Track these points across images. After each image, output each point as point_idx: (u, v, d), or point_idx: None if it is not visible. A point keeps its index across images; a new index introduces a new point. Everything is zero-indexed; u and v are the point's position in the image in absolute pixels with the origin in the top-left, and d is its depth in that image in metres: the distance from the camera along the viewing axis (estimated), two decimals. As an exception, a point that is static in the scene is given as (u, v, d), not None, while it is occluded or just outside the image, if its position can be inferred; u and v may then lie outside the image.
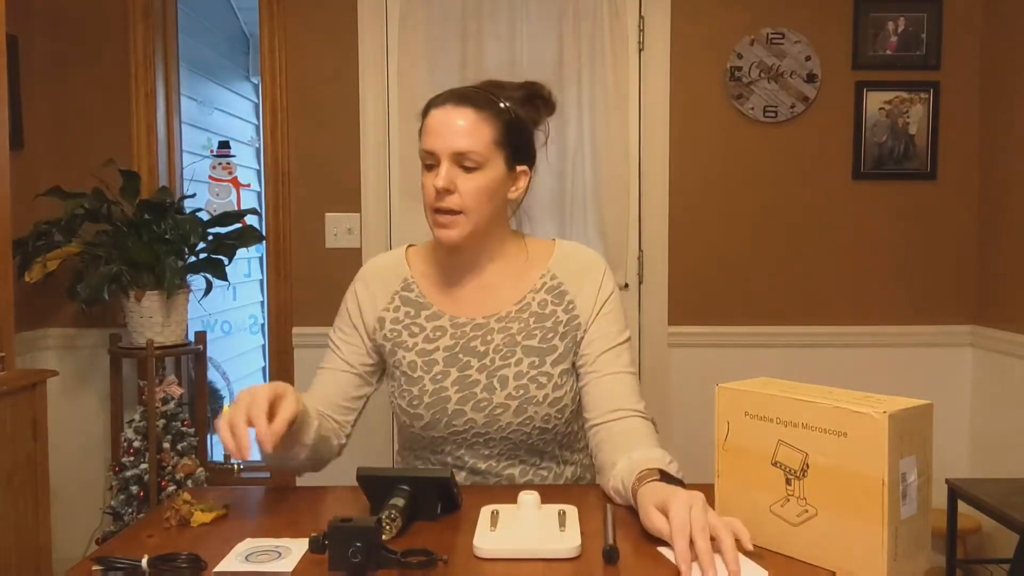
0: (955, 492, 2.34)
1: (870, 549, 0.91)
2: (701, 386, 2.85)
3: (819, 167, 2.92)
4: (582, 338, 1.40)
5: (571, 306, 1.40)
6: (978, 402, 2.91)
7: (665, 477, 1.13)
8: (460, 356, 1.38)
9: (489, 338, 1.39)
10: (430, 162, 1.34)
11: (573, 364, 1.40)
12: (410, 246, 1.52)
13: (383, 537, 0.99)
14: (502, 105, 1.36)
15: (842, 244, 2.94)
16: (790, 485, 0.99)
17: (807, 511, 0.98)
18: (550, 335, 1.39)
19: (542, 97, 1.45)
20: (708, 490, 1.11)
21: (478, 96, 1.35)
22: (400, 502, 1.10)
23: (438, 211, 1.33)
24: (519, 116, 1.38)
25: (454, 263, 1.43)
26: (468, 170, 1.32)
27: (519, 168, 1.40)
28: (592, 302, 1.41)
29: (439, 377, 1.37)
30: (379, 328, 1.43)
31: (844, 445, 0.93)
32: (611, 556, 0.99)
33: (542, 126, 1.46)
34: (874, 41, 2.88)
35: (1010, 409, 2.73)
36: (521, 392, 1.35)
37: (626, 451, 1.25)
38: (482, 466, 1.39)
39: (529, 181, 1.43)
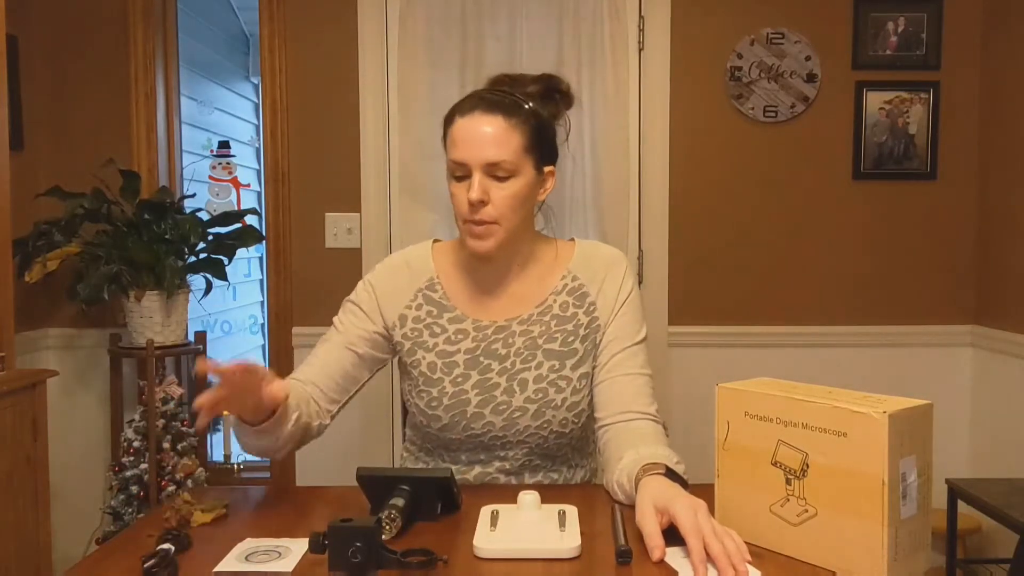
0: (955, 492, 2.34)
1: (870, 549, 0.91)
2: (701, 386, 2.85)
3: (819, 167, 2.92)
4: (601, 339, 1.39)
5: (592, 307, 1.40)
6: (978, 402, 2.91)
7: (670, 474, 1.13)
8: (481, 359, 1.37)
9: (511, 341, 1.38)
10: (460, 173, 1.31)
11: (594, 367, 1.39)
12: (435, 242, 1.49)
13: (383, 537, 0.99)
14: (528, 107, 1.35)
15: (842, 244, 2.94)
16: (790, 485, 0.99)
17: (807, 511, 0.98)
18: (571, 338, 1.38)
19: (560, 91, 1.43)
20: (708, 490, 1.11)
21: (505, 101, 1.33)
22: (400, 502, 1.10)
23: (472, 222, 1.31)
24: (543, 116, 1.37)
25: (479, 265, 1.42)
26: (500, 179, 1.30)
27: (547, 169, 1.38)
28: (612, 302, 1.40)
29: (459, 380, 1.37)
30: (399, 325, 1.41)
31: (844, 445, 0.93)
32: (624, 556, 0.98)
33: (561, 120, 1.45)
34: (874, 41, 2.88)
35: (1010, 409, 2.73)
36: (540, 396, 1.35)
37: (633, 447, 1.24)
38: (494, 466, 1.39)
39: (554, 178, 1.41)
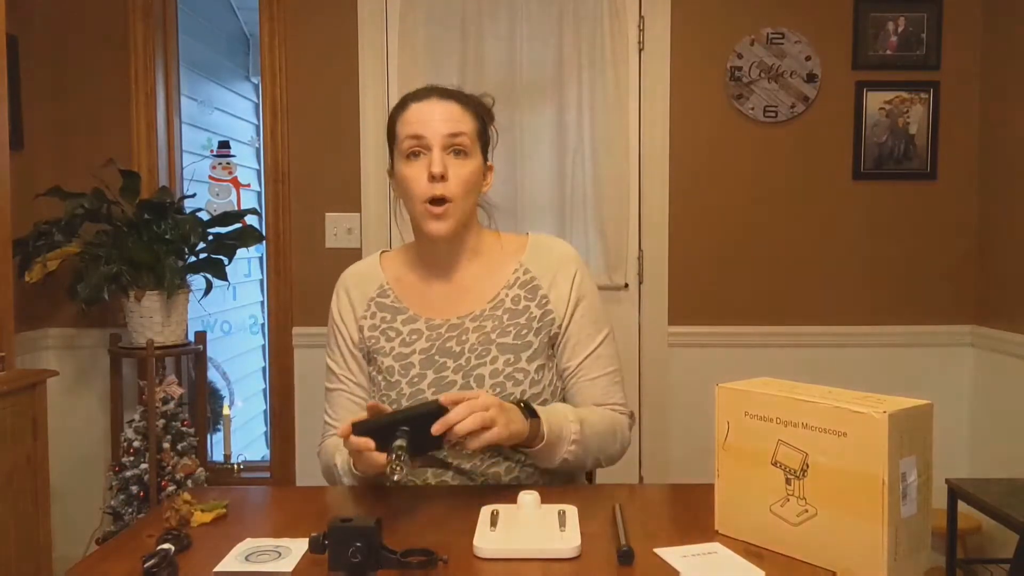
0: (955, 492, 2.34)
1: (870, 549, 0.91)
2: (701, 386, 2.84)
3: (819, 167, 2.92)
4: (557, 333, 1.42)
5: (544, 300, 1.42)
6: (978, 402, 2.91)
7: (528, 410, 1.26)
8: (436, 358, 1.39)
9: (464, 338, 1.39)
10: (416, 149, 1.35)
11: (550, 358, 1.42)
12: (383, 252, 1.54)
13: (395, 479, 1.07)
14: (477, 103, 1.42)
15: (842, 244, 2.94)
16: (790, 485, 0.99)
17: (807, 511, 0.98)
18: (524, 331, 1.40)
19: (481, 105, 1.47)
20: (708, 490, 1.11)
21: (456, 92, 1.41)
22: (403, 442, 1.11)
23: (431, 201, 1.34)
24: (484, 110, 1.44)
25: (429, 264, 1.45)
26: (458, 156, 1.35)
27: (488, 163, 1.45)
28: (566, 300, 1.43)
29: (416, 380, 1.38)
30: (362, 336, 1.45)
31: (844, 445, 0.93)
32: (626, 557, 0.98)
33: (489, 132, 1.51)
34: (874, 41, 2.88)
35: (1010, 409, 2.73)
36: (498, 390, 1.36)
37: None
38: (466, 466, 1.37)
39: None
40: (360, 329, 1.45)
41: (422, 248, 1.45)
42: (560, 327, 1.42)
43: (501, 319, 1.40)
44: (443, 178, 1.33)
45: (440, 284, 1.44)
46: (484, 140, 1.42)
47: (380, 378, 1.42)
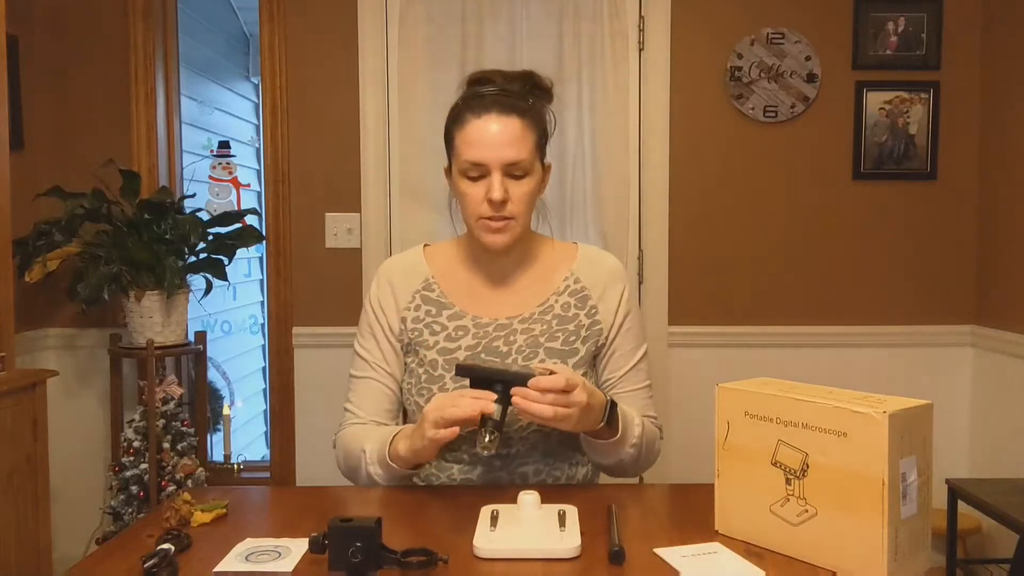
0: (955, 492, 2.34)
1: (870, 549, 0.91)
2: (701, 386, 2.85)
3: (819, 167, 2.92)
4: (603, 344, 1.43)
5: (593, 311, 1.43)
6: (978, 402, 2.91)
7: (613, 409, 1.28)
8: (483, 356, 1.39)
9: (512, 339, 1.39)
10: (476, 174, 1.33)
11: (591, 367, 1.43)
12: (426, 245, 1.52)
13: (485, 454, 1.15)
14: (536, 106, 1.38)
15: (842, 244, 2.94)
16: (790, 485, 0.99)
17: (807, 511, 0.98)
18: (572, 338, 1.40)
19: (541, 88, 1.45)
20: (708, 490, 1.11)
21: (518, 102, 1.36)
22: (497, 412, 1.14)
23: (489, 219, 1.33)
24: (544, 113, 1.41)
25: (480, 262, 1.44)
26: (517, 178, 1.33)
27: (546, 163, 1.42)
28: (614, 314, 1.44)
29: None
30: (403, 328, 1.44)
31: (844, 445, 0.93)
32: (617, 557, 0.99)
33: (547, 117, 1.46)
34: (874, 41, 2.88)
35: (1010, 409, 2.73)
36: None
37: None
38: (497, 463, 1.39)
39: None
40: (402, 320, 1.43)
41: (474, 247, 1.44)
42: (606, 338, 1.43)
43: (550, 324, 1.41)
44: (503, 203, 1.32)
45: (489, 284, 1.44)
46: (543, 144, 1.38)
47: (422, 371, 1.40)
